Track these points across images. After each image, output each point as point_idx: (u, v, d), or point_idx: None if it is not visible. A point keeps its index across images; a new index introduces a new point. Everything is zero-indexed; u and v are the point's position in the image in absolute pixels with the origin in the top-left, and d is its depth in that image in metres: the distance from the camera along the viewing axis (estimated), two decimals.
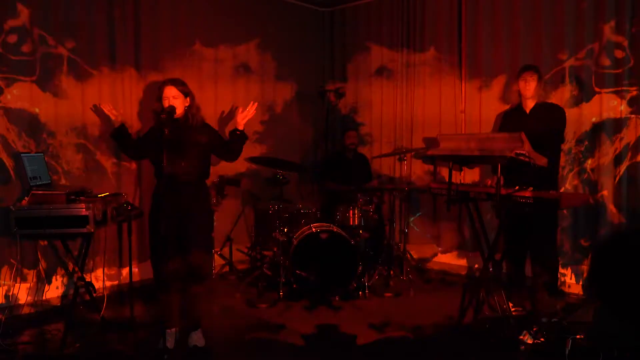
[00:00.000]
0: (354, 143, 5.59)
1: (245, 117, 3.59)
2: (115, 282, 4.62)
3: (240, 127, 3.57)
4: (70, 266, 4.08)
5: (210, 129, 3.56)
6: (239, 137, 3.58)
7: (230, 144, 3.61)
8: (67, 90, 4.32)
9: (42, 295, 4.08)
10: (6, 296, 3.94)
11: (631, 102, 4.24)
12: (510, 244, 3.92)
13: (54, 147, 4.25)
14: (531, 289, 3.94)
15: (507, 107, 4.61)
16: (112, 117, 3.60)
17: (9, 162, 4.00)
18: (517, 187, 3.48)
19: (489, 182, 3.85)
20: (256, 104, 3.65)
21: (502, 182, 3.84)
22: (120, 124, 3.60)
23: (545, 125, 3.72)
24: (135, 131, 4.60)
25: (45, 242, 4.13)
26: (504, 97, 4.96)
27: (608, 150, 4.35)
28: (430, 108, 5.60)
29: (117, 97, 4.58)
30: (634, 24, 4.18)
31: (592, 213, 4.39)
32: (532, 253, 3.91)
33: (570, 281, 4.54)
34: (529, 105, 3.91)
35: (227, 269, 5.27)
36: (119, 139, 3.62)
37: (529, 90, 3.88)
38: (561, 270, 4.42)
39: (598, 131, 4.38)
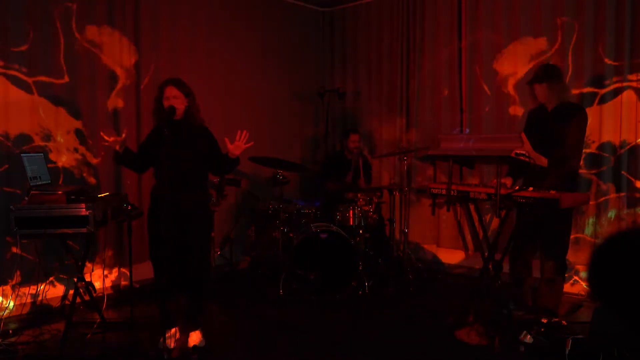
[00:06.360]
0: (358, 147, 5.57)
1: (239, 148, 3.35)
2: (116, 282, 4.62)
3: (233, 157, 3.40)
4: (71, 266, 4.07)
5: (210, 136, 3.49)
6: (231, 161, 3.43)
7: (222, 163, 3.49)
8: None
9: (42, 295, 4.08)
10: (6, 296, 3.94)
11: None
12: (515, 243, 3.91)
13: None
14: (534, 290, 3.94)
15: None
16: (116, 147, 3.32)
17: None
18: (517, 187, 3.48)
19: (492, 183, 3.85)
20: (245, 132, 3.36)
21: (512, 183, 3.86)
22: (125, 148, 3.36)
23: (565, 125, 3.67)
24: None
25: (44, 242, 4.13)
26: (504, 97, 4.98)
27: None
28: (431, 108, 5.60)
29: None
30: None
31: None
32: (540, 255, 3.89)
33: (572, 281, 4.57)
34: (551, 105, 3.85)
35: (227, 269, 5.26)
36: (124, 162, 3.49)
37: (540, 95, 3.82)
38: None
39: None
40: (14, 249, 3.89)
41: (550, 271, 3.77)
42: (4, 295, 3.96)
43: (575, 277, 4.58)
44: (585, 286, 4.49)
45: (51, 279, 4.22)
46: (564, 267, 3.85)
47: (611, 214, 4.37)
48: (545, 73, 3.80)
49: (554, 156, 3.56)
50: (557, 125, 3.68)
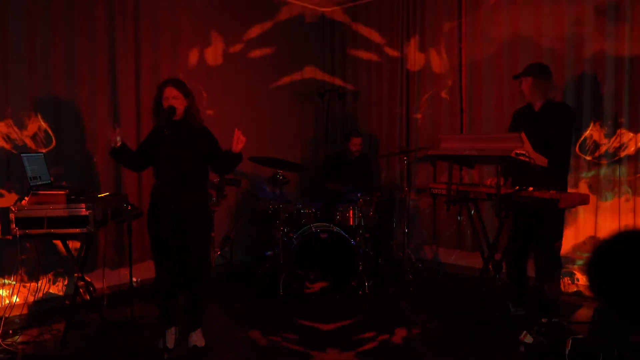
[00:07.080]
0: (359, 150, 5.56)
1: (237, 144, 3.37)
2: (116, 282, 4.62)
3: (236, 152, 3.41)
4: (71, 266, 4.07)
5: (210, 136, 3.49)
6: (233, 157, 3.45)
7: (223, 161, 3.50)
8: None
9: (43, 296, 4.08)
10: (7, 296, 3.94)
11: None
12: (514, 244, 3.91)
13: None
14: (533, 290, 3.94)
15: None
16: (112, 143, 3.33)
17: None
18: (517, 187, 3.48)
19: (488, 182, 3.86)
20: (237, 130, 3.38)
21: (504, 182, 3.86)
22: (121, 144, 3.36)
23: (553, 123, 3.68)
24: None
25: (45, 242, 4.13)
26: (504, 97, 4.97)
27: None
28: (431, 108, 5.60)
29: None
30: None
31: None
32: (534, 254, 3.90)
33: (571, 281, 4.57)
34: (538, 104, 3.86)
35: (227, 269, 5.26)
36: (120, 157, 3.47)
37: (526, 89, 3.84)
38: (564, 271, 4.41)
39: None
40: (14, 249, 3.88)
41: (546, 270, 3.78)
42: (4, 295, 3.96)
43: (575, 276, 4.58)
44: (585, 283, 4.49)
45: (51, 278, 4.22)
46: (560, 266, 3.87)
47: (610, 197, 4.39)
48: (532, 68, 3.84)
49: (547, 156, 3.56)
50: (543, 124, 3.69)
